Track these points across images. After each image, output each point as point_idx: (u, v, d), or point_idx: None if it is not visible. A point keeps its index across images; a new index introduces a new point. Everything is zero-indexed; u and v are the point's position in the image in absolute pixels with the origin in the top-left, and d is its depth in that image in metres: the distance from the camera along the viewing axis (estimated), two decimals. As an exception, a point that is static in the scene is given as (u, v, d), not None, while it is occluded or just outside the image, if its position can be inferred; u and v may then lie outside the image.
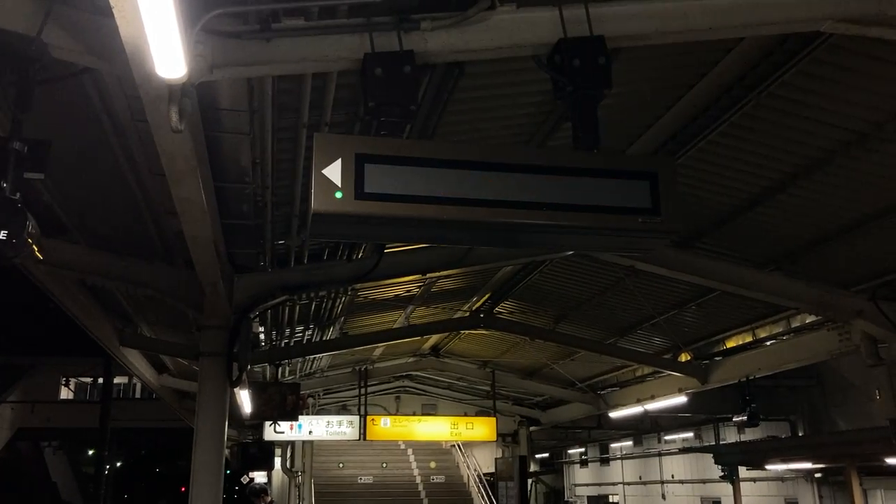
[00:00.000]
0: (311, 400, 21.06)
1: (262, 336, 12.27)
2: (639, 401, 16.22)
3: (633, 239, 3.84)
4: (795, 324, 11.48)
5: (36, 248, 3.65)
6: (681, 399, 14.72)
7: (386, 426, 17.95)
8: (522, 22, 4.03)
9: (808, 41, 5.46)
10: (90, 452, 35.90)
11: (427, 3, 3.94)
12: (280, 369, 14.26)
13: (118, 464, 40.08)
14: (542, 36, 4.02)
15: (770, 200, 7.75)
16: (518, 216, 3.59)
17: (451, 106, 5.56)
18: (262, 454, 19.07)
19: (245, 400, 12.85)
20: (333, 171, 3.43)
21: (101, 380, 28.38)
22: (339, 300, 10.91)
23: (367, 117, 3.71)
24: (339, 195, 3.41)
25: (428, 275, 8.69)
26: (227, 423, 7.71)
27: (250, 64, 3.71)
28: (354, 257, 8.45)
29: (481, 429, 18.36)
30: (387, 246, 8.13)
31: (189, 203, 4.84)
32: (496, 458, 23.38)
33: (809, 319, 11.01)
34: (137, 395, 36.26)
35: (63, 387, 35.67)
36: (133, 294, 9.70)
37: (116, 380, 28.28)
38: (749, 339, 12.44)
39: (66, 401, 35.33)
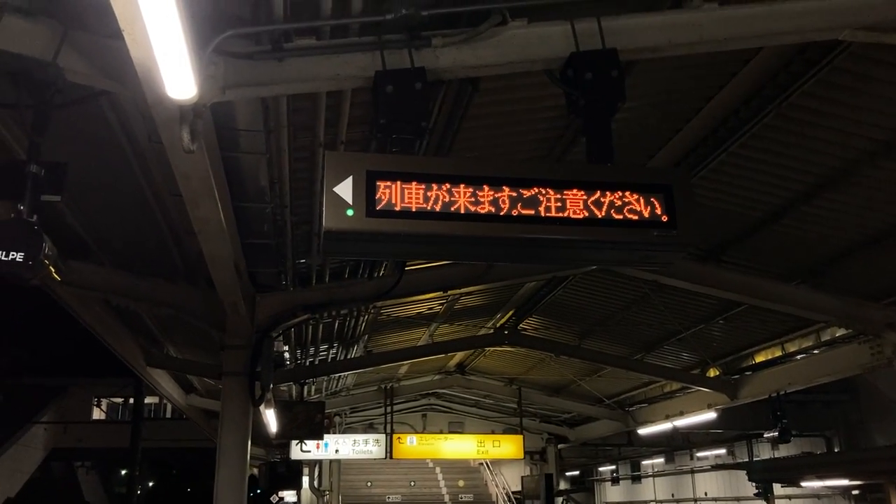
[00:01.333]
0: (337, 418, 21.07)
1: (286, 355, 12.32)
2: (668, 417, 16.00)
3: (648, 253, 3.79)
4: (825, 337, 11.26)
5: (53, 270, 3.69)
6: (710, 415, 14.49)
7: (412, 444, 17.87)
8: (534, 36, 4.02)
9: (827, 50, 5.39)
10: (122, 472, 36.16)
11: (438, 20, 3.94)
12: (305, 388, 14.30)
13: (150, 484, 40.34)
14: (554, 50, 4.00)
15: (794, 212, 7.63)
16: (531, 231, 3.56)
17: (467, 122, 5.56)
18: (290, 473, 19.11)
19: (271, 419, 12.88)
20: (345, 189, 3.44)
21: (132, 400, 28.59)
22: (361, 318, 10.91)
23: (379, 135, 3.68)
24: (350, 212, 3.41)
25: (449, 292, 8.64)
26: (249, 442, 7.72)
27: (263, 84, 3.74)
28: (376, 275, 8.45)
29: (508, 446, 18.20)
30: (407, 263, 8.11)
31: (206, 223, 4.87)
32: (523, 477, 23.15)
33: (840, 333, 10.79)
34: (168, 415, 36.45)
35: (95, 407, 36.00)
36: (159, 315, 9.81)
37: (147, 400, 28.47)
38: (778, 353, 12.23)
39: (99, 421, 35.65)
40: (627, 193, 3.67)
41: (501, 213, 3.55)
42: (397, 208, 3.46)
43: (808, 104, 5.99)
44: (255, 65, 3.73)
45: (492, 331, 13.59)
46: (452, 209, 3.51)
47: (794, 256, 8.75)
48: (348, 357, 13.21)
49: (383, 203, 3.45)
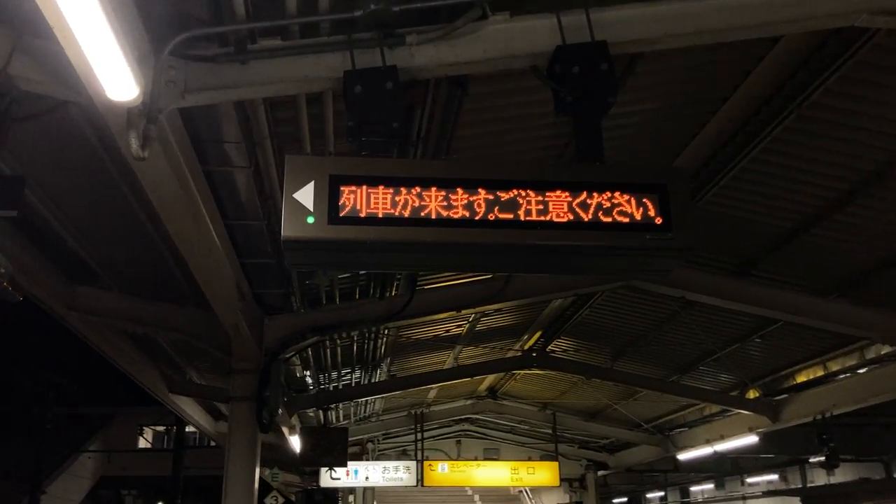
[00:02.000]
0: (370, 445, 20.79)
1: (308, 380, 12.13)
2: (708, 441, 15.40)
3: (642, 259, 3.48)
4: (870, 355, 10.67)
5: (10, 287, 3.52)
6: (752, 438, 13.86)
7: (444, 472, 17.48)
8: (517, 31, 3.78)
9: (848, 43, 5.04)
10: (166, 500, 36.27)
11: (416, 16, 3.73)
12: (331, 413, 14.08)
13: (194, 511, 40.38)
14: (539, 44, 3.76)
15: (826, 220, 7.21)
16: (510, 237, 3.29)
17: (462, 130, 5.32)
18: (327, 501, 18.85)
19: (295, 445, 12.69)
20: (305, 195, 3.21)
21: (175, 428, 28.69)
22: (380, 341, 10.67)
23: (349, 139, 3.46)
24: (310, 220, 3.18)
25: (464, 311, 8.36)
26: (258, 470, 7.49)
27: (226, 88, 3.55)
28: (387, 295, 8.22)
29: (543, 473, 17.69)
30: (419, 282, 7.89)
31: (185, 240, 4.69)
32: (559, 505, 22.59)
33: (885, 350, 10.21)
34: (213, 443, 36.51)
35: (140, 437, 36.27)
36: (176, 340, 9.69)
37: (191, 428, 28.54)
38: (820, 372, 11.64)
39: (144, 450, 35.91)
40: (617, 194, 3.38)
41: (477, 218, 3.28)
42: (362, 214, 3.22)
43: (832, 102, 5.62)
44: (217, 68, 3.55)
45: (519, 353, 13.23)
46: (423, 214, 3.26)
47: (829, 268, 8.28)
48: (372, 381, 12.95)
49: (347, 209, 3.22)
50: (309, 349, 9.93)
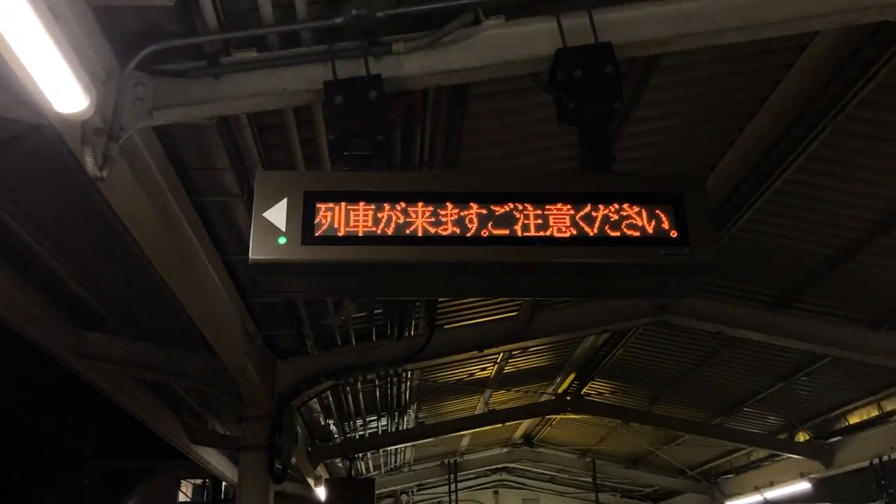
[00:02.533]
0: (404, 497, 20.21)
1: (333, 429, 11.76)
2: (757, 489, 14.61)
3: (656, 277, 3.10)
4: (930, 393, 10.00)
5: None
6: (804, 485, 13.08)
7: (480, 524, 16.84)
8: (514, 36, 3.50)
9: (884, 46, 4.67)
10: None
11: (404, 23, 3.47)
12: (359, 464, 13.65)
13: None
14: (538, 49, 3.47)
15: (872, 245, 6.76)
16: (506, 255, 2.96)
17: (467, 154, 5.03)
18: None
19: (320, 497, 12.27)
20: (276, 214, 2.94)
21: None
22: (404, 385, 10.29)
23: (331, 154, 3.19)
24: (282, 241, 2.89)
25: (486, 350, 7.98)
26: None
27: (197, 103, 3.31)
28: (406, 335, 7.89)
29: (584, 525, 16.95)
30: (438, 319, 7.56)
31: (172, 274, 4.44)
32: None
33: (946, 387, 9.56)
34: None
35: (180, 491, 36.00)
36: (191, 388, 9.43)
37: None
38: (875, 412, 10.96)
39: (184, 503, 35.58)
40: (626, 205, 3.03)
41: (468, 235, 2.96)
42: (340, 233, 2.92)
43: (870, 115, 5.24)
44: (188, 83, 3.31)
45: (553, 397, 12.72)
46: (408, 231, 2.94)
47: (878, 298, 7.74)
48: (399, 429, 12.53)
49: (324, 228, 2.92)
50: (329, 395, 9.61)
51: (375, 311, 7.51)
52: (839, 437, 11.78)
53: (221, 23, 3.31)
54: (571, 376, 12.14)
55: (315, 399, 8.92)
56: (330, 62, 3.36)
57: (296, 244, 2.89)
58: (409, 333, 7.96)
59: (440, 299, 7.31)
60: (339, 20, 3.31)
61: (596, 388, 12.78)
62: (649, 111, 5.23)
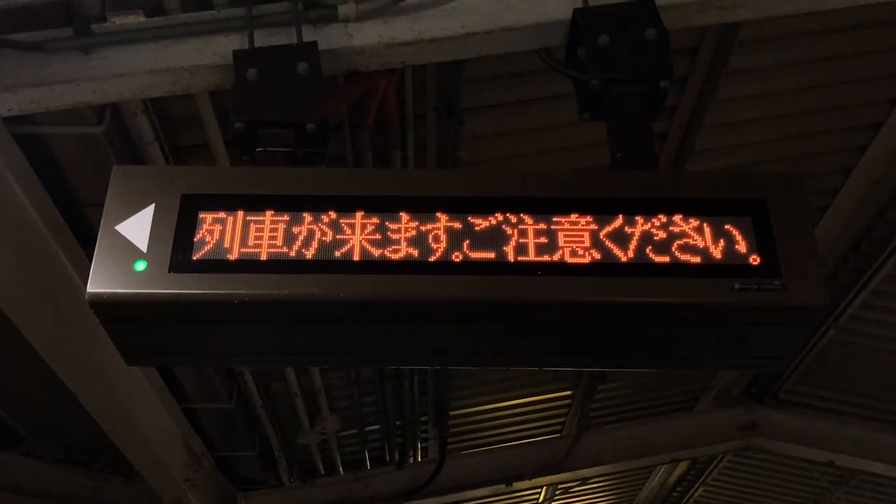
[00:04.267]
0: None
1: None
2: None
3: (726, 329, 2.31)
4: None
5: None
6: None
7: None
8: (512, -5, 2.87)
9: None
10: None
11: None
12: None
13: None
14: (547, 11, 2.84)
15: None
16: (488, 289, 2.21)
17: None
18: None
19: None
20: (136, 227, 2.27)
21: None
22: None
23: (236, 150, 2.55)
24: (139, 266, 2.20)
25: (516, 484, 7.15)
26: None
27: (56, 84, 2.72)
28: (409, 461, 7.14)
29: None
30: (451, 441, 6.79)
31: (59, 361, 3.78)
32: None
33: None
34: None
35: None
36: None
37: None
38: None
39: None
40: (678, 217, 2.29)
41: (431, 260, 2.23)
42: (233, 256, 2.22)
43: None
44: (45, 59, 2.74)
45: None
46: (338, 255, 2.23)
47: None
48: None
49: (207, 248, 2.23)
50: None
51: (368, 429, 6.80)
52: None
53: (93, -23, 2.77)
54: (638, 525, 11.11)
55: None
56: (247, 32, 2.77)
57: (161, 271, 2.19)
58: (414, 460, 7.23)
59: (453, 409, 6.59)
60: (259, -27, 2.75)
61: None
62: (718, 115, 4.54)
